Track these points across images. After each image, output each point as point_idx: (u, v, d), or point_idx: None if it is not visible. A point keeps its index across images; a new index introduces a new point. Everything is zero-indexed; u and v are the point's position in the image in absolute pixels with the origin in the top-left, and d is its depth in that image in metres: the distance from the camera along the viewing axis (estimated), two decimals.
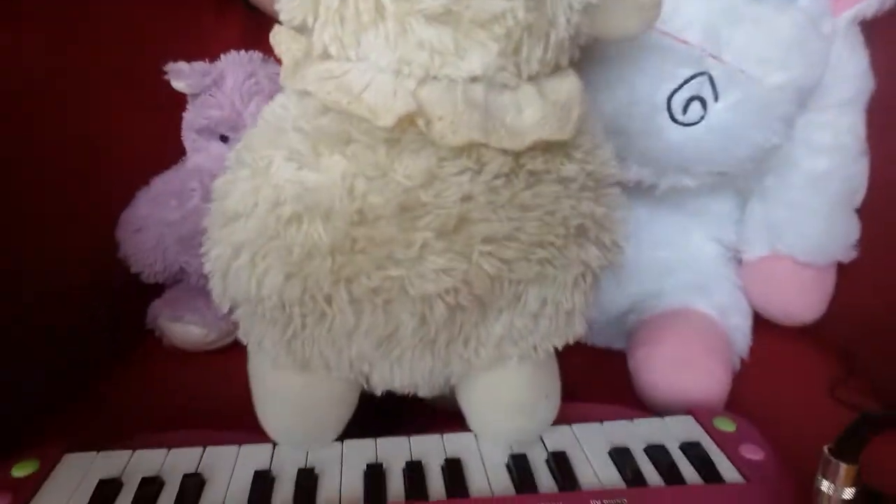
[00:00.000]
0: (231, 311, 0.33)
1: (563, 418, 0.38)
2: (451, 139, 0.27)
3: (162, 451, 0.35)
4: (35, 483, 0.33)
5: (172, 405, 0.46)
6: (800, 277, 0.48)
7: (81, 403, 0.47)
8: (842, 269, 0.50)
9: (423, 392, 0.35)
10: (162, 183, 0.57)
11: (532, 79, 0.29)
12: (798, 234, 0.47)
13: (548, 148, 0.29)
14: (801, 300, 0.49)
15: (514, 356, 0.33)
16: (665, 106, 0.41)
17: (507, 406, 0.36)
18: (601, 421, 0.39)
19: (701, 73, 0.40)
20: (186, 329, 0.51)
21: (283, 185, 0.29)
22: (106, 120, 0.55)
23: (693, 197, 0.49)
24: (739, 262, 0.52)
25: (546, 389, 0.36)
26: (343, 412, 0.36)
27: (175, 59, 0.55)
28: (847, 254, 0.48)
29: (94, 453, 0.35)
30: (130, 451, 0.35)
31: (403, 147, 0.28)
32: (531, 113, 0.28)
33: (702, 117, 0.41)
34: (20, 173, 0.47)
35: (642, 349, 0.45)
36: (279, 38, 0.30)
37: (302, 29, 0.29)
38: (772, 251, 0.49)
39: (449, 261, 0.29)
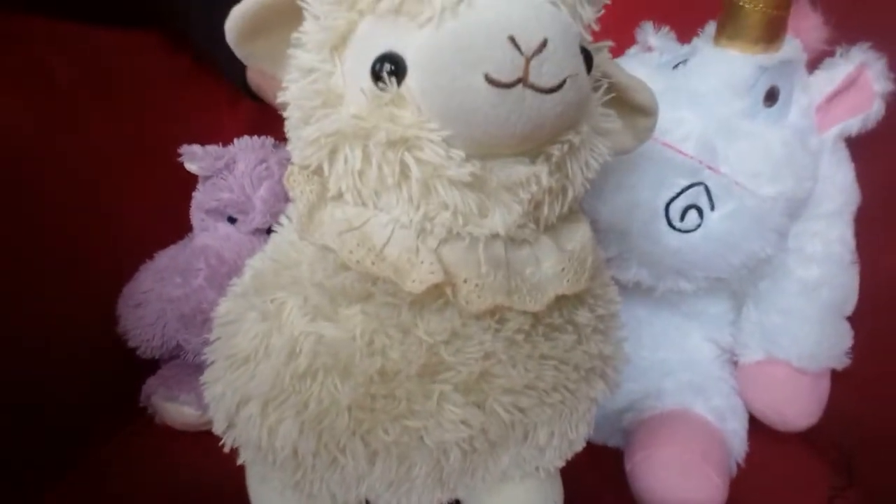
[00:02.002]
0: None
1: None
2: (476, 304, 0.27)
3: None
4: None
5: (164, 487, 0.45)
6: (795, 383, 0.49)
7: (70, 480, 0.46)
8: (836, 376, 0.50)
9: None
10: (167, 259, 0.58)
11: (547, 229, 0.29)
12: (792, 340, 0.48)
13: (564, 298, 0.29)
14: (797, 406, 0.49)
15: (517, 477, 0.34)
16: (664, 212, 0.42)
17: None
18: None
19: (698, 183, 0.42)
20: (181, 410, 0.51)
21: (298, 337, 0.28)
22: (115, 193, 0.57)
23: (690, 299, 0.50)
24: (735, 364, 0.52)
25: (551, 497, 0.37)
26: None
27: (188, 141, 0.57)
28: (840, 360, 0.48)
29: None
30: None
31: (426, 305, 0.28)
32: (550, 265, 0.28)
33: (698, 225, 0.42)
34: (27, 238, 0.47)
35: (640, 453, 0.45)
36: (293, 179, 0.29)
37: (317, 171, 0.28)
38: (767, 356, 0.49)
39: (467, 412, 0.29)
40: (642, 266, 0.45)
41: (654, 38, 0.51)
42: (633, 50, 0.54)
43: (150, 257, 0.59)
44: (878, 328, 0.49)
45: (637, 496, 0.44)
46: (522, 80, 0.23)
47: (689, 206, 0.42)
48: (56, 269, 0.50)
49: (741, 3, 0.42)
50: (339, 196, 0.28)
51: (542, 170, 0.26)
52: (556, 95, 0.24)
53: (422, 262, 0.26)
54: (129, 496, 0.44)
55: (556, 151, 0.26)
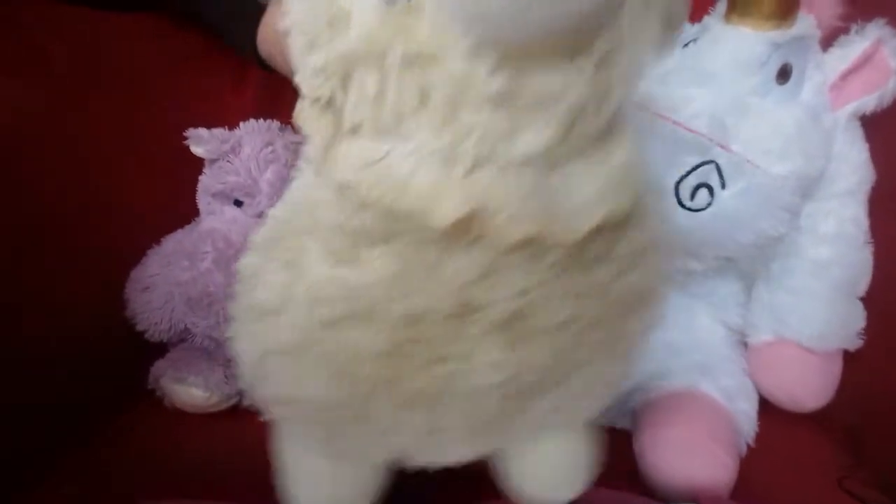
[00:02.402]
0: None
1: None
2: (510, 235, 0.24)
3: None
4: None
5: (172, 468, 0.45)
6: (805, 364, 0.48)
7: (79, 462, 0.46)
8: (848, 357, 0.50)
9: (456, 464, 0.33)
10: (174, 243, 0.58)
11: (584, 149, 0.25)
12: (802, 320, 0.47)
13: (604, 228, 0.27)
14: (807, 386, 0.49)
15: (554, 429, 0.33)
16: (674, 191, 0.42)
17: (548, 477, 0.36)
18: None
19: (709, 162, 0.42)
20: (189, 391, 0.51)
21: (321, 284, 0.27)
22: (121, 177, 0.57)
23: (700, 279, 0.49)
24: (745, 345, 0.52)
25: (584, 460, 0.36)
26: (371, 489, 0.35)
27: (194, 125, 0.57)
28: (851, 341, 0.48)
29: None
30: None
31: (455, 241, 0.25)
32: (588, 189, 0.25)
33: (709, 204, 0.42)
34: (33, 224, 0.47)
35: (648, 432, 0.45)
36: (305, 115, 0.27)
37: (329, 103, 0.26)
38: (776, 336, 0.49)
39: (502, 353, 0.27)
40: None
41: None
42: None
43: (158, 241, 0.59)
44: (890, 309, 0.48)
45: (645, 475, 0.44)
46: None
47: (700, 184, 0.42)
48: (63, 253, 0.50)
49: None
50: (357, 129, 0.25)
51: (580, 74, 0.22)
52: None
53: (449, 193, 0.24)
54: (138, 477, 0.44)
55: (596, 49, 0.22)
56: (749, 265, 0.49)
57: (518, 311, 0.26)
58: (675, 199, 0.42)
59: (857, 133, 0.48)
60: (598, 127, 0.25)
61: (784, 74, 0.44)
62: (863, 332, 0.48)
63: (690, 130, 0.41)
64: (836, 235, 0.47)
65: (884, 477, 0.46)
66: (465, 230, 0.25)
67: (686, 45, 0.47)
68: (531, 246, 0.25)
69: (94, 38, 0.55)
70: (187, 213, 0.61)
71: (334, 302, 0.26)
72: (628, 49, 0.23)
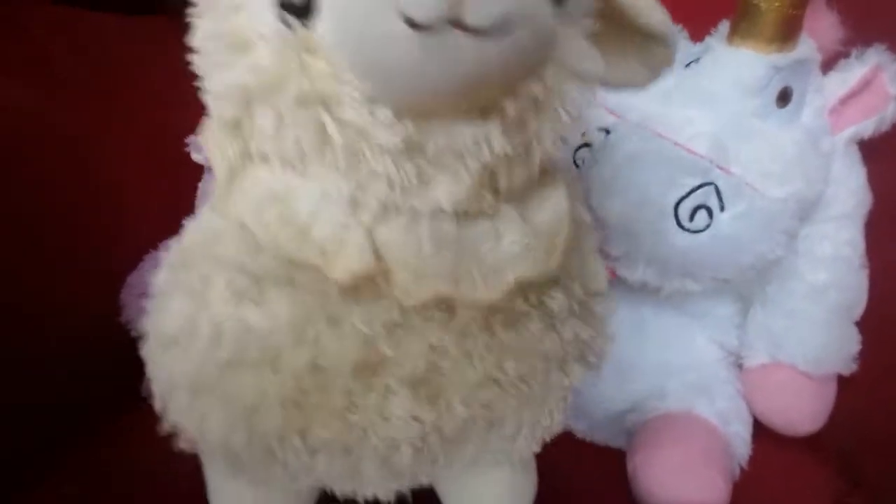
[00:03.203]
0: None
1: None
2: (414, 295, 0.22)
3: None
4: None
5: (172, 469, 0.44)
6: (800, 387, 0.48)
7: (79, 462, 0.45)
8: (842, 380, 0.50)
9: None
10: None
11: (512, 197, 0.24)
12: (798, 343, 0.47)
13: (528, 286, 0.25)
14: (802, 410, 0.49)
15: (486, 465, 0.31)
16: (672, 212, 0.42)
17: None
18: None
19: (708, 183, 0.42)
20: None
21: (223, 322, 0.25)
22: (120, 182, 0.56)
23: (697, 299, 0.49)
24: (740, 367, 0.52)
25: (524, 490, 0.36)
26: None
27: (195, 131, 0.57)
28: (847, 365, 0.48)
29: None
30: None
31: (361, 292, 0.24)
32: (512, 241, 0.23)
33: (707, 225, 0.42)
34: (29, 228, 0.47)
35: (642, 453, 0.44)
36: (211, 137, 0.24)
37: (237, 126, 0.23)
38: (772, 359, 0.49)
39: (417, 407, 0.25)
40: (649, 266, 0.45)
41: None
42: None
43: (155, 247, 0.59)
44: (885, 332, 0.48)
45: (638, 497, 0.44)
46: (452, 21, 0.17)
47: (699, 205, 0.42)
48: (63, 255, 0.50)
49: (756, 2, 0.42)
50: (266, 158, 0.23)
51: (493, 130, 0.21)
52: (499, 38, 0.18)
53: (350, 245, 0.22)
54: (138, 477, 0.44)
55: (511, 107, 0.21)
56: (746, 287, 0.49)
57: (431, 367, 0.25)
58: (673, 220, 0.42)
59: (856, 157, 0.48)
60: (518, 183, 0.23)
61: (784, 97, 0.44)
62: (857, 356, 0.48)
63: (690, 151, 0.42)
64: (832, 259, 0.47)
65: (880, 501, 0.46)
66: (367, 285, 0.23)
67: (688, 64, 0.47)
68: (443, 302, 0.24)
69: (97, 39, 0.55)
70: (186, 218, 0.61)
71: (235, 344, 0.25)
72: (549, 107, 0.22)
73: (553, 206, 0.25)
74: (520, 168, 0.23)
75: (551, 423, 0.30)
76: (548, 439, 0.31)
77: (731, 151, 0.42)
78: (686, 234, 0.42)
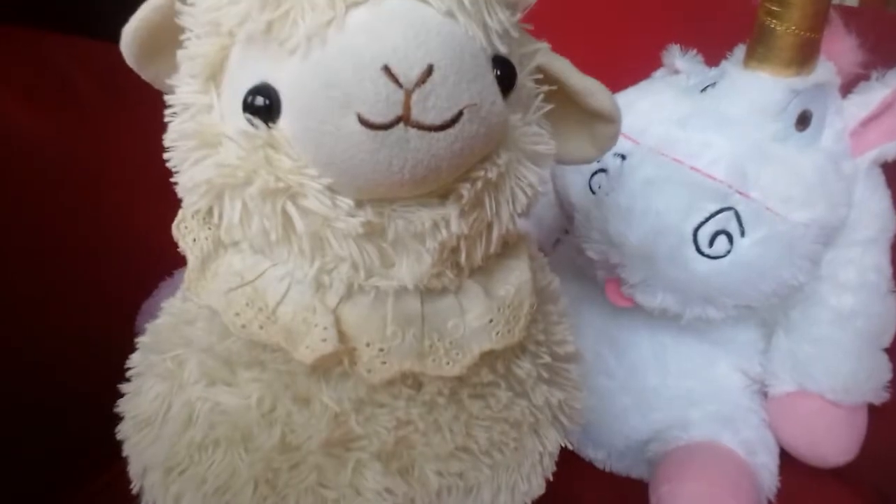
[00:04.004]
0: None
1: None
2: (380, 373, 0.24)
3: None
4: None
5: None
6: (830, 417, 0.47)
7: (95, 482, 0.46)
8: (873, 410, 0.48)
9: None
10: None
11: (475, 271, 0.25)
12: (825, 371, 0.46)
13: (496, 352, 0.26)
14: (832, 441, 0.47)
15: None
16: (692, 238, 0.41)
17: None
18: None
19: (728, 208, 0.41)
20: None
21: (195, 402, 0.26)
22: (136, 209, 0.57)
23: (718, 326, 0.48)
24: (765, 395, 0.50)
25: None
26: None
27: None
28: (877, 395, 0.46)
29: None
30: None
31: (328, 371, 0.25)
32: (475, 316, 0.25)
33: (728, 251, 0.41)
34: (48, 252, 0.48)
35: (665, 486, 0.43)
36: (185, 226, 0.26)
37: (209, 215, 0.25)
38: (799, 387, 0.47)
39: (389, 480, 0.26)
40: (668, 292, 0.44)
41: (681, 61, 0.50)
42: (659, 73, 0.53)
43: (170, 274, 0.59)
44: None
45: None
46: (403, 118, 0.19)
47: (719, 231, 0.41)
48: (77, 282, 0.50)
49: (773, 25, 0.42)
50: (237, 243, 0.25)
51: (451, 212, 0.22)
52: (449, 132, 0.20)
53: (316, 325, 0.23)
54: None
55: (465, 190, 0.22)
56: (769, 313, 0.48)
57: (402, 441, 0.26)
58: (693, 246, 0.41)
59: (879, 180, 0.47)
60: (479, 259, 0.25)
61: (804, 121, 0.43)
62: (888, 384, 0.47)
63: (709, 176, 0.41)
64: (858, 284, 0.46)
65: None
66: (334, 364, 0.24)
67: (704, 89, 0.47)
68: (410, 377, 0.25)
69: (120, 71, 0.56)
70: None
71: (207, 424, 0.26)
72: (505, 188, 0.23)
73: (516, 278, 0.26)
74: (480, 245, 0.24)
75: (530, 488, 0.30)
76: (529, 503, 0.31)
77: (750, 176, 0.41)
78: (706, 259, 0.41)
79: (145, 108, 0.57)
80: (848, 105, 0.46)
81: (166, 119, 0.25)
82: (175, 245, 0.60)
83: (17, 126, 0.47)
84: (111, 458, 0.48)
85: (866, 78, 0.46)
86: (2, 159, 0.45)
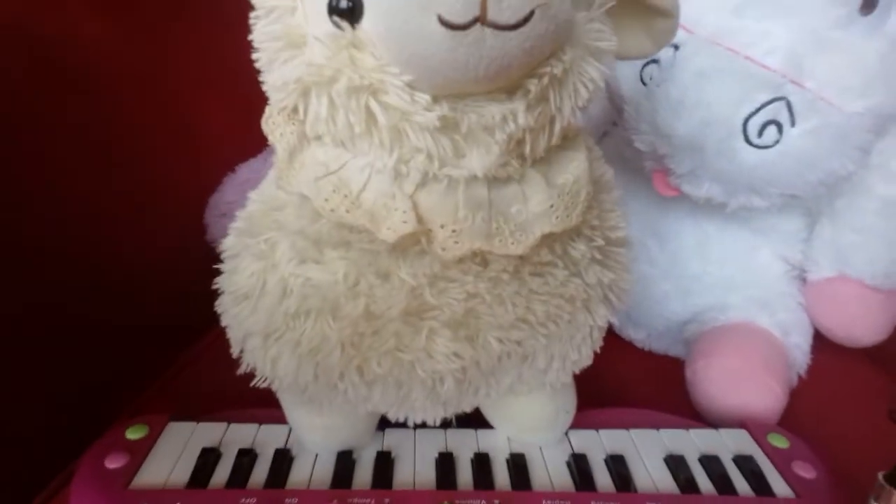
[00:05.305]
0: None
1: (620, 422, 0.41)
2: (452, 251, 0.26)
3: (254, 426, 0.39)
4: (146, 446, 0.37)
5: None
6: (866, 301, 0.48)
7: (167, 381, 0.50)
8: None
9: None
10: (248, 170, 0.61)
11: (537, 162, 0.27)
12: (867, 259, 0.47)
13: (555, 234, 0.28)
14: (866, 323, 0.49)
15: (524, 392, 0.35)
16: (741, 128, 0.41)
17: (527, 425, 0.38)
18: (657, 428, 0.41)
19: (780, 98, 0.41)
20: None
21: (288, 278, 0.29)
22: (201, 108, 0.59)
23: (762, 215, 0.49)
24: (804, 280, 0.52)
25: (564, 406, 0.38)
26: (370, 426, 0.38)
27: None
28: None
29: (195, 423, 0.39)
30: (227, 424, 0.39)
31: (406, 250, 0.28)
32: (537, 202, 0.27)
33: (777, 141, 0.41)
34: (121, 153, 0.51)
35: (701, 360, 0.46)
36: (272, 122, 0.28)
37: (294, 112, 0.27)
38: (839, 273, 0.49)
39: (457, 346, 0.29)
40: (715, 182, 0.45)
41: None
42: None
43: (233, 169, 0.62)
44: None
45: (696, 403, 0.46)
46: (480, 19, 0.20)
47: (769, 121, 0.41)
48: (149, 181, 0.53)
49: None
50: (321, 137, 0.27)
51: (518, 107, 0.24)
52: (522, 31, 0.21)
53: (396, 209, 0.26)
54: (228, 390, 0.49)
55: (533, 86, 0.24)
56: (813, 202, 0.49)
57: (470, 311, 0.29)
58: (742, 137, 0.41)
59: None
60: (542, 150, 0.27)
61: (869, 4, 0.41)
62: None
63: (763, 66, 0.40)
64: None
65: None
66: (412, 243, 0.27)
67: None
68: (478, 254, 0.28)
69: None
70: (260, 142, 0.63)
71: (300, 296, 0.29)
72: (569, 84, 0.25)
73: (575, 167, 0.28)
74: (543, 137, 0.26)
75: (580, 358, 0.34)
76: (577, 372, 0.35)
77: (806, 65, 0.40)
78: (754, 150, 0.41)
79: (205, 10, 0.58)
80: None
81: (250, 21, 0.26)
82: (235, 140, 0.63)
83: (87, 35, 0.48)
84: (192, 341, 0.53)
85: None
86: (74, 67, 0.47)
